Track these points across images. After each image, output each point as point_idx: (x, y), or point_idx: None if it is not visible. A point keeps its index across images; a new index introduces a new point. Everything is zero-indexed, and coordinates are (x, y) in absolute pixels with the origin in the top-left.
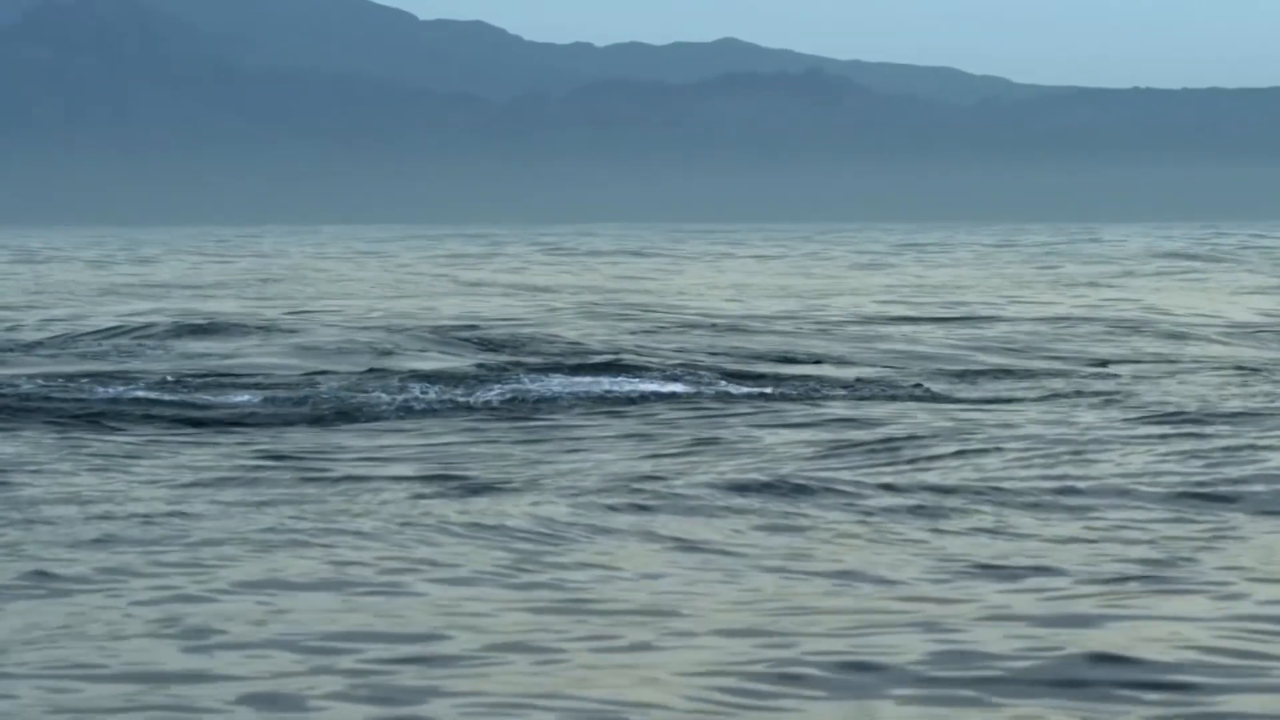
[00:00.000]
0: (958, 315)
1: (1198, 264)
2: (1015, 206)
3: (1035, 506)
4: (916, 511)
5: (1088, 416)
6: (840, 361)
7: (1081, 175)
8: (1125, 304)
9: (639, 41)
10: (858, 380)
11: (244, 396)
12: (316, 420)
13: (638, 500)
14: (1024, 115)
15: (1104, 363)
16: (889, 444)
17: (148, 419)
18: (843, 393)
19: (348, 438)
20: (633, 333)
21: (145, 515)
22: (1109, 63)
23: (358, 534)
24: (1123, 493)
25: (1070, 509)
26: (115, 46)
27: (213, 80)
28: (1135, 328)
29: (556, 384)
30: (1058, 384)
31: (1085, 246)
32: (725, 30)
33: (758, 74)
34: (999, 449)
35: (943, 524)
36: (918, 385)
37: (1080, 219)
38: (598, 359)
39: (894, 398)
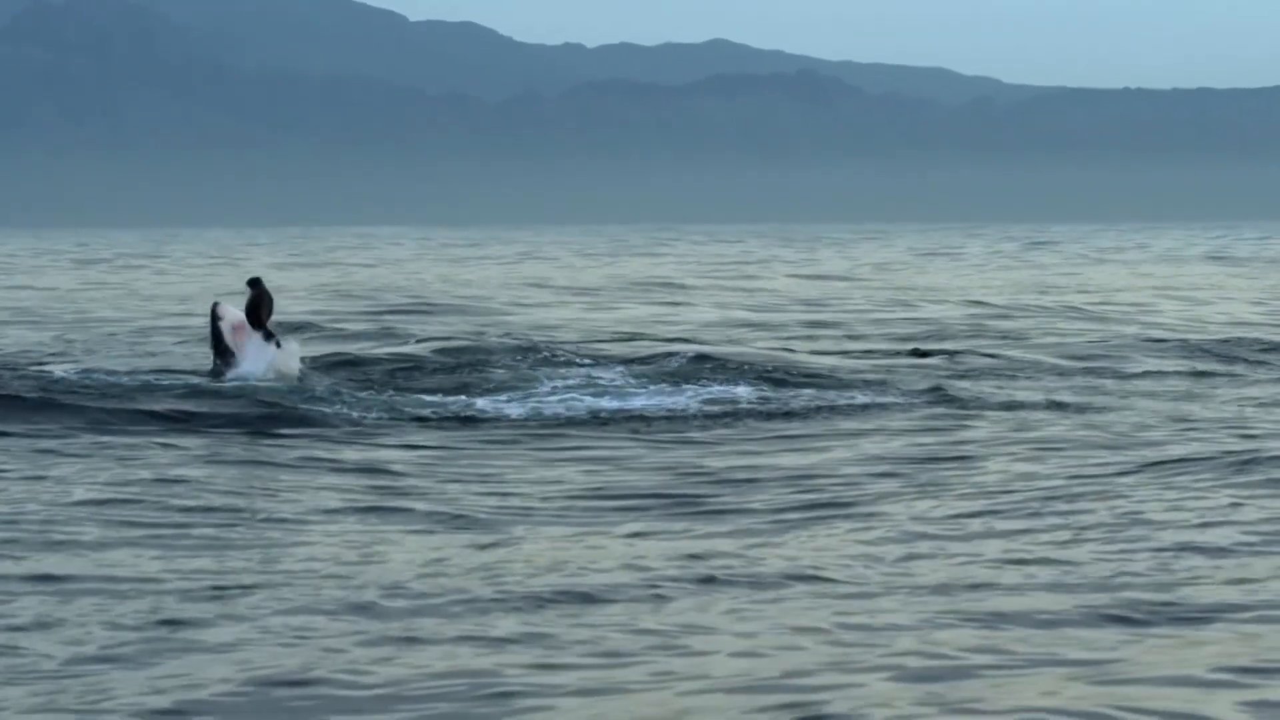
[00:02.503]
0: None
1: (1184, 265)
2: (1005, 206)
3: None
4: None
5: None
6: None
7: (1071, 175)
8: (1120, 305)
9: (630, 42)
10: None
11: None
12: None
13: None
14: (1015, 115)
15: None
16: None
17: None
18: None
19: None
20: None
21: None
22: (1099, 63)
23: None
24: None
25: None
26: (107, 48)
27: (205, 81)
28: (1126, 328)
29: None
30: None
31: (1072, 246)
32: (715, 31)
33: (749, 74)
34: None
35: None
36: (936, 388)
37: (1070, 219)
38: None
39: (912, 404)
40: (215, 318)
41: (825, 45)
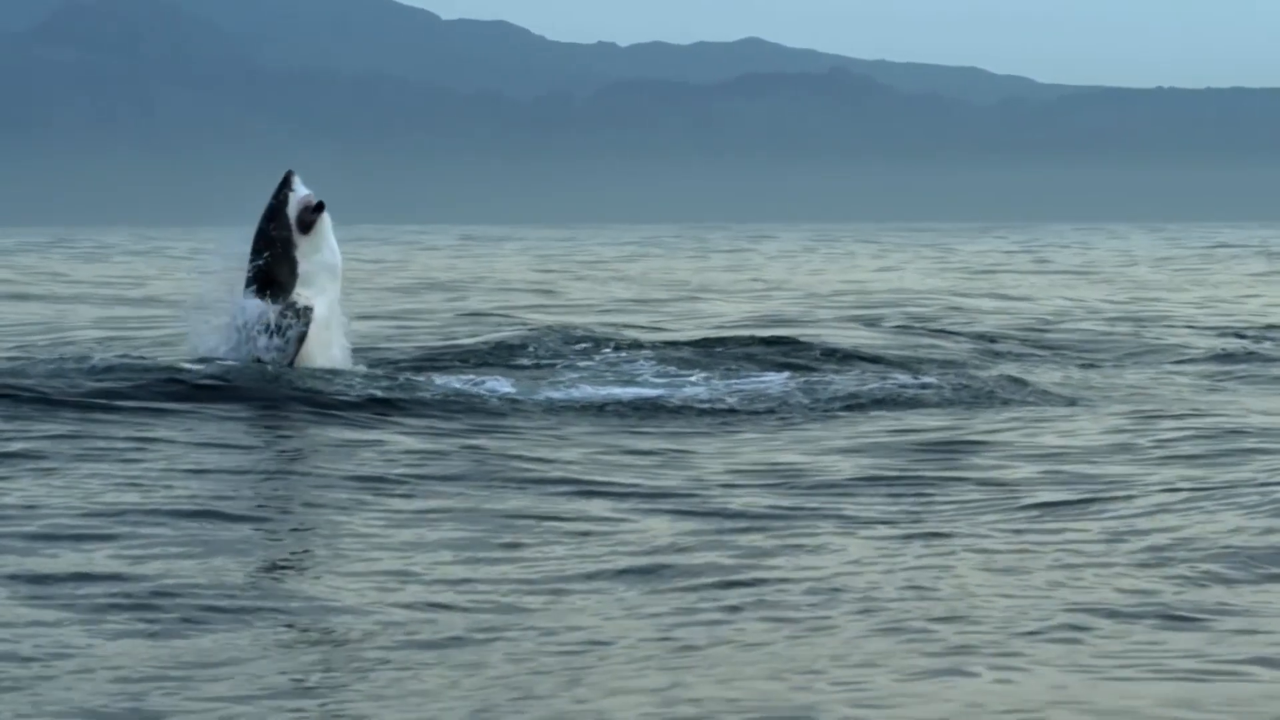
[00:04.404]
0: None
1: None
2: (1038, 206)
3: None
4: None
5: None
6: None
7: (1104, 175)
8: (1143, 303)
9: (662, 41)
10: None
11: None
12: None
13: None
14: (1047, 115)
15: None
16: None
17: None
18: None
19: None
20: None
21: None
22: (1132, 62)
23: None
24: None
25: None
26: (140, 47)
27: (237, 80)
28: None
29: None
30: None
31: (1106, 244)
32: (748, 30)
33: (781, 74)
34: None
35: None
36: (965, 383)
37: (1103, 219)
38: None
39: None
40: (286, 186)
41: (858, 44)
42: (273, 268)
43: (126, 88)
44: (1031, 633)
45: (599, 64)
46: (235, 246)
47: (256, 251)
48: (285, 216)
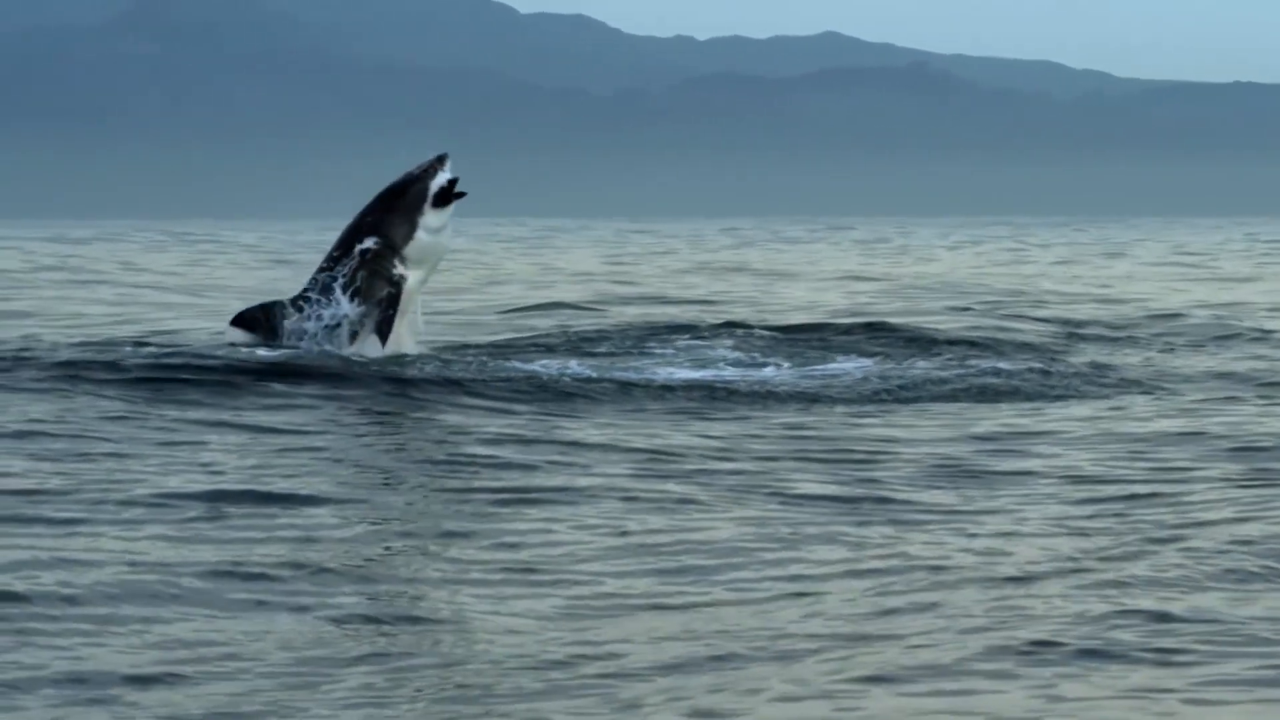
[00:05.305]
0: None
1: None
2: (1116, 201)
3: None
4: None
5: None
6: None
7: (1182, 170)
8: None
9: (740, 35)
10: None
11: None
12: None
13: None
14: (1125, 109)
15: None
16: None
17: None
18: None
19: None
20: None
21: None
22: (1210, 57)
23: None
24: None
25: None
26: (219, 40)
27: (315, 74)
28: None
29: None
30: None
31: (1191, 240)
32: (826, 24)
33: (859, 68)
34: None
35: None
36: (1047, 369)
37: (1180, 213)
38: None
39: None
40: (439, 163)
41: (936, 38)
42: (392, 225)
43: (205, 81)
44: (1088, 638)
45: (677, 58)
46: (308, 237)
47: (377, 208)
48: (426, 188)
